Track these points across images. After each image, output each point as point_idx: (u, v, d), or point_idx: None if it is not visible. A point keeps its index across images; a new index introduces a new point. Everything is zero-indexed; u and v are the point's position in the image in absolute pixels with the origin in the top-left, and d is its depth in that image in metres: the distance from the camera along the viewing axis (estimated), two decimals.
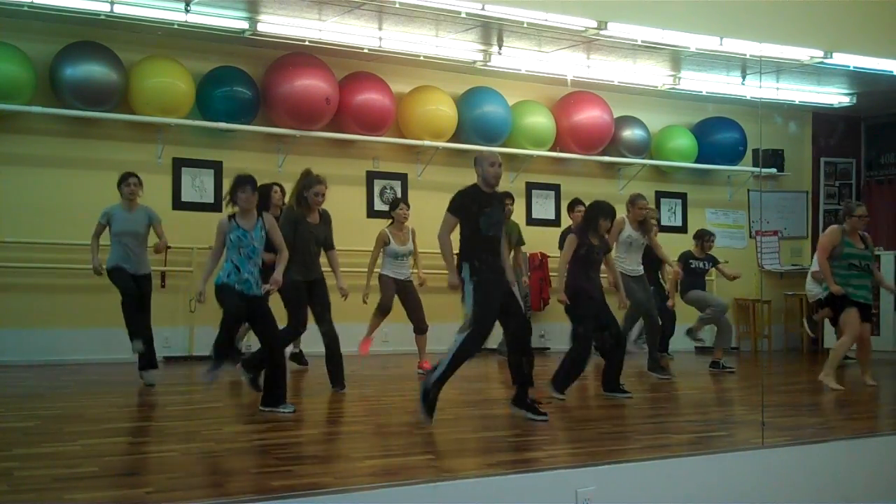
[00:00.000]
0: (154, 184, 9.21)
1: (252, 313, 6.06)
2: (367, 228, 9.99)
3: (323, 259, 7.09)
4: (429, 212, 9.21)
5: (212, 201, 9.35)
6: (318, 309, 6.99)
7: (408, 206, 8.43)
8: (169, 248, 7.70)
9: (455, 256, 5.74)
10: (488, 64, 9.62)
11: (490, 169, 5.80)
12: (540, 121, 10.75)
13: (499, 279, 5.71)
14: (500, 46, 9.33)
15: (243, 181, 6.02)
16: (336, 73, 9.61)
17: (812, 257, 12.35)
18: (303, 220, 6.84)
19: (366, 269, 8.74)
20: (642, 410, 6.94)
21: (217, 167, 9.48)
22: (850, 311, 7.66)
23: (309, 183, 6.88)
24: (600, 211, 6.99)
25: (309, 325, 8.59)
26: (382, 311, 8.23)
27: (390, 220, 8.39)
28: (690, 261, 9.19)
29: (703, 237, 9.31)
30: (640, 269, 8.18)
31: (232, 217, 6.03)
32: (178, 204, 9.31)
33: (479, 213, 5.67)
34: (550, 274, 10.81)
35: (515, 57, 9.62)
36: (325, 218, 7.11)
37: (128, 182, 7.30)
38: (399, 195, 10.28)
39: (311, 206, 6.90)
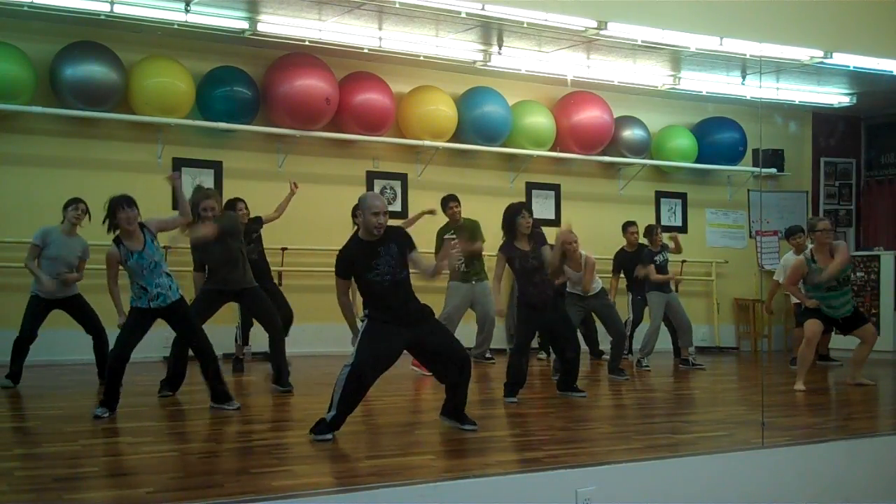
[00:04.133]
0: (154, 184, 9.20)
1: (171, 319, 6.01)
2: None
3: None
4: None
5: None
6: (263, 317, 6.97)
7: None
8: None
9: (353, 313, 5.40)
10: (488, 64, 9.62)
11: (372, 218, 5.13)
12: (540, 121, 10.75)
13: (395, 328, 5.15)
14: (500, 46, 9.33)
15: (121, 201, 5.82)
16: (336, 73, 9.61)
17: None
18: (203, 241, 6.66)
19: None
20: (642, 410, 6.94)
21: (217, 167, 9.49)
22: (812, 321, 7.63)
23: (196, 200, 6.69)
24: (513, 212, 6.73)
25: (305, 325, 8.70)
26: None
27: None
28: (655, 257, 9.05)
29: (653, 231, 9.22)
30: (595, 285, 8.18)
31: (119, 243, 5.83)
32: (178, 204, 9.29)
33: (365, 269, 5.15)
34: None
35: (515, 57, 9.62)
36: (224, 221, 6.84)
37: (76, 206, 7.06)
38: (399, 195, 10.30)
39: (203, 221, 6.63)
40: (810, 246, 7.94)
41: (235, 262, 6.76)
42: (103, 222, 5.86)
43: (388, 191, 10.32)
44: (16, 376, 7.08)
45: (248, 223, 7.98)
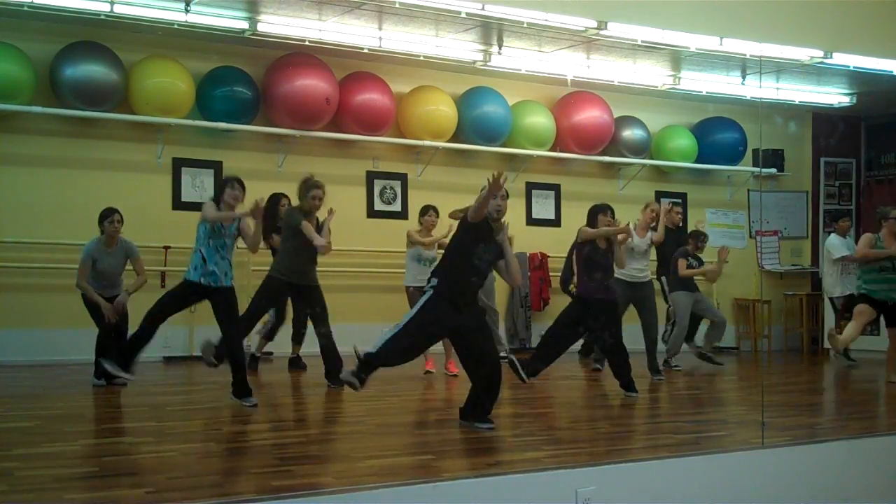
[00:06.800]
0: (154, 184, 9.23)
1: (216, 303, 6.19)
2: (367, 228, 10.01)
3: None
4: None
5: None
6: (314, 313, 7.17)
7: (437, 214, 8.26)
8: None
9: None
10: (488, 64, 9.62)
11: (492, 201, 5.35)
12: (540, 121, 10.75)
13: (454, 311, 5.30)
14: (500, 46, 9.32)
15: (234, 179, 6.29)
16: (336, 73, 9.61)
17: (811, 259, 12.42)
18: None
19: (366, 270, 8.73)
20: (642, 410, 6.94)
21: (217, 167, 9.48)
22: (865, 306, 7.84)
23: (308, 186, 7.04)
24: (597, 210, 7.15)
25: (309, 324, 8.69)
26: None
27: (419, 227, 8.25)
28: (690, 258, 9.14)
29: (699, 237, 9.30)
30: (643, 275, 8.17)
31: (217, 207, 6.19)
32: (177, 204, 9.31)
33: (478, 243, 5.36)
34: (550, 274, 10.83)
35: (515, 57, 9.62)
36: (322, 226, 7.23)
37: (111, 219, 7.09)
38: (399, 195, 10.29)
39: (310, 209, 7.00)
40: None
41: (312, 257, 7.05)
42: (213, 198, 6.30)
43: (388, 191, 10.32)
44: (107, 374, 6.93)
45: None
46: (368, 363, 5.21)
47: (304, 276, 7.10)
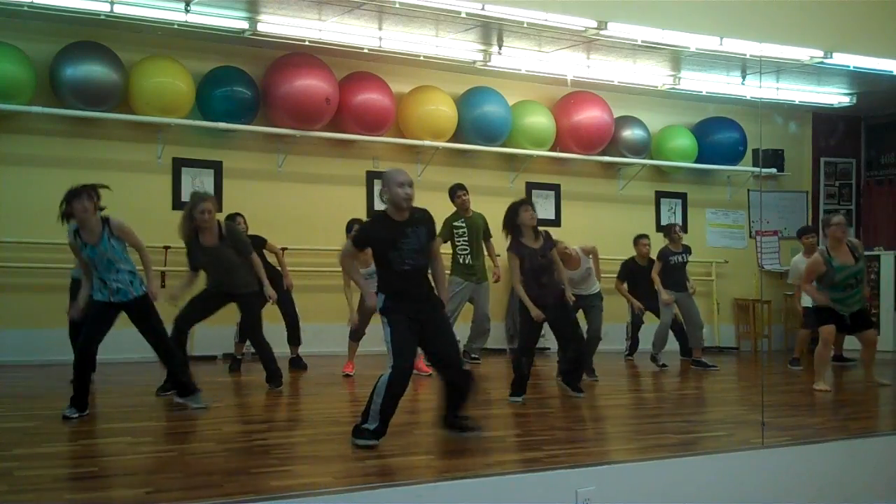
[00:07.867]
0: (154, 184, 9.23)
1: (131, 314, 5.91)
2: None
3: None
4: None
5: None
6: (242, 321, 7.10)
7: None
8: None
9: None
10: (488, 64, 9.61)
11: (398, 190, 4.94)
12: (540, 121, 10.75)
13: (415, 316, 4.96)
14: (500, 46, 9.32)
15: (73, 192, 5.71)
16: (336, 73, 9.61)
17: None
18: (198, 246, 6.77)
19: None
20: (642, 410, 6.94)
21: (217, 167, 9.48)
22: (828, 327, 7.63)
23: (194, 202, 6.72)
24: (514, 208, 6.69)
25: (305, 325, 8.72)
26: (355, 338, 8.12)
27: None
28: (670, 257, 9.19)
29: (672, 229, 9.31)
30: (591, 290, 8.01)
31: (77, 234, 5.76)
32: (178, 204, 9.29)
33: (388, 247, 4.94)
34: None
35: (515, 57, 9.62)
36: (229, 235, 6.87)
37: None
38: None
39: (199, 225, 6.70)
40: (821, 246, 7.92)
41: (230, 269, 6.85)
42: (59, 216, 5.75)
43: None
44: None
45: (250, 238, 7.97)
46: (378, 433, 4.87)
47: (230, 286, 6.89)
